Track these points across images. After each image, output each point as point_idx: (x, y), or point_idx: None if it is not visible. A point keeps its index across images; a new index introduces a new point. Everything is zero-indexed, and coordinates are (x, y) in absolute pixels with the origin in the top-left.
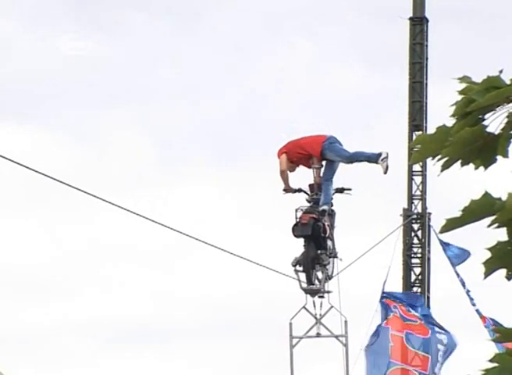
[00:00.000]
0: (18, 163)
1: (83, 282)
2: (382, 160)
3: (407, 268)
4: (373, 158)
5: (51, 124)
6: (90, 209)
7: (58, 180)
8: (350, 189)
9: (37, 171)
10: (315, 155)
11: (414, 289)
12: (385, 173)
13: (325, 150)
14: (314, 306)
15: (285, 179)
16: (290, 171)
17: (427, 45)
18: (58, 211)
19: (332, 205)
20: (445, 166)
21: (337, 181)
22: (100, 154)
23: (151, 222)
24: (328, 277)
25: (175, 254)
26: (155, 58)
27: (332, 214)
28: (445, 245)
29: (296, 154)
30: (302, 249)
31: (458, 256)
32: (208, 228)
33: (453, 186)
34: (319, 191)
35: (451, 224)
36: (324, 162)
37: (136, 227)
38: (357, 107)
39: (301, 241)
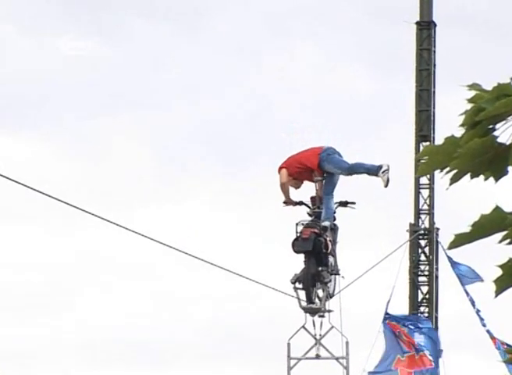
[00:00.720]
0: (7, 177)
1: (75, 297)
2: (382, 173)
3: (414, 286)
4: (373, 171)
5: (48, 129)
6: (81, 224)
7: (49, 196)
8: (353, 203)
9: (26, 185)
10: (313, 168)
11: (421, 309)
12: (386, 186)
13: (322, 162)
14: (314, 326)
15: (285, 191)
16: (295, 188)
17: (434, 51)
18: (48, 225)
19: (334, 220)
20: (454, 179)
21: (340, 194)
22: (99, 159)
23: (148, 239)
24: (330, 296)
25: (170, 270)
26: (155, 59)
27: (334, 229)
28: (453, 263)
29: (296, 169)
30: (302, 265)
31: (468, 276)
32: (204, 243)
33: (462, 200)
34: (321, 204)
35: (460, 240)
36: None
37: (131, 244)
38: (361, 115)
39: (301, 256)
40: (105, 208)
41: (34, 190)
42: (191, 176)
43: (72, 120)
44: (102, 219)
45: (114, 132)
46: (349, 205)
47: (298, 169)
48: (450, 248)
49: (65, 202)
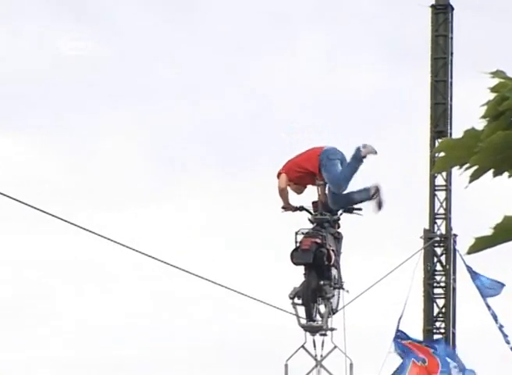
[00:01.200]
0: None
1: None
2: (373, 197)
3: (429, 299)
4: (365, 198)
5: (48, 129)
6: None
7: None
8: (360, 209)
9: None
10: (314, 171)
11: (437, 324)
12: (378, 210)
13: (321, 166)
14: (315, 346)
15: (284, 197)
16: (298, 193)
17: (452, 37)
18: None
19: (338, 227)
20: (474, 177)
21: None
22: (97, 158)
23: (137, 252)
24: (332, 312)
25: (158, 284)
26: (154, 58)
27: (338, 238)
28: (473, 274)
29: (296, 173)
30: (302, 279)
31: (489, 288)
32: (195, 254)
33: (483, 202)
34: (324, 210)
35: (481, 244)
36: None
37: (121, 257)
38: (370, 110)
39: (301, 269)
40: (104, 207)
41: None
42: (190, 177)
43: (70, 119)
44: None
45: (113, 131)
46: (355, 211)
47: (299, 174)
48: (470, 252)
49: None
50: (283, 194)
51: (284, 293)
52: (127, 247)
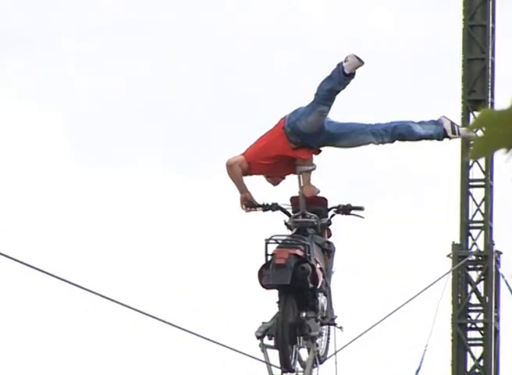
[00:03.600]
0: None
1: None
2: (345, 62)
3: (460, 346)
4: (336, 73)
5: None
6: None
7: None
8: (360, 208)
9: None
10: (287, 154)
11: None
12: (361, 62)
13: (291, 135)
14: None
15: (238, 182)
16: (274, 184)
17: None
18: None
19: (329, 236)
20: None
21: (342, 195)
22: None
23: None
24: (319, 359)
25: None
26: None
27: (328, 250)
28: None
29: (263, 165)
30: (275, 309)
31: None
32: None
33: None
34: (310, 210)
35: None
36: (312, 158)
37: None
38: (377, 71)
39: (274, 294)
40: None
41: None
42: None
43: None
44: None
45: None
46: (353, 211)
47: (266, 166)
48: None
49: None
50: (235, 176)
51: (249, 330)
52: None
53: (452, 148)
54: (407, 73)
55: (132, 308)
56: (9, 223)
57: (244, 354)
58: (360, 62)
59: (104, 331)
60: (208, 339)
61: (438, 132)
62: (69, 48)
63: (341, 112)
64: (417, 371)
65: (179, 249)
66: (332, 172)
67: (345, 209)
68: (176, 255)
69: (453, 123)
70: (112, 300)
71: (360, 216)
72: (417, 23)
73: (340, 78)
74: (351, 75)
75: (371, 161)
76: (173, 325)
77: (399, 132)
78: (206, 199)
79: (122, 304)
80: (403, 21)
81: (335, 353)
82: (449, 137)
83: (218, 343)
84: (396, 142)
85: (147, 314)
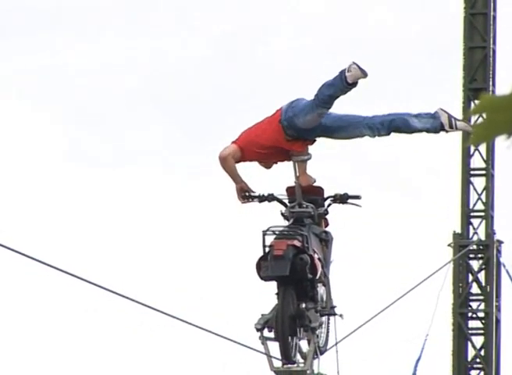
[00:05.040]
0: None
1: None
2: (348, 72)
3: (461, 336)
4: (338, 80)
5: None
6: None
7: None
8: (357, 197)
9: None
10: (283, 146)
11: (473, 373)
12: (364, 75)
13: (287, 129)
14: None
15: (233, 174)
16: (266, 168)
17: None
18: None
19: (326, 225)
20: None
21: (342, 183)
22: None
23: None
24: (320, 350)
25: None
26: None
27: (326, 240)
28: None
29: (256, 153)
30: (274, 301)
31: None
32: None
33: None
34: (307, 199)
35: None
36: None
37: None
38: (378, 59)
39: (273, 286)
40: None
41: None
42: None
43: None
44: None
45: None
46: (350, 200)
47: (260, 154)
48: None
49: None
50: (229, 168)
51: (248, 322)
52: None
53: (453, 136)
54: (408, 61)
55: (132, 299)
56: (9, 222)
57: (244, 346)
58: (363, 75)
59: (101, 323)
60: (208, 331)
61: (435, 126)
62: (69, 47)
63: (342, 101)
64: (418, 361)
65: (178, 246)
66: (330, 162)
67: (342, 198)
68: (175, 251)
69: (450, 117)
70: (113, 292)
71: (358, 205)
72: (418, 11)
73: (343, 86)
74: (354, 84)
75: (370, 150)
76: (173, 316)
77: (395, 125)
78: (204, 195)
79: (123, 296)
80: (404, 9)
81: (335, 344)
82: (446, 131)
83: (218, 335)
84: (392, 134)
85: (145, 305)
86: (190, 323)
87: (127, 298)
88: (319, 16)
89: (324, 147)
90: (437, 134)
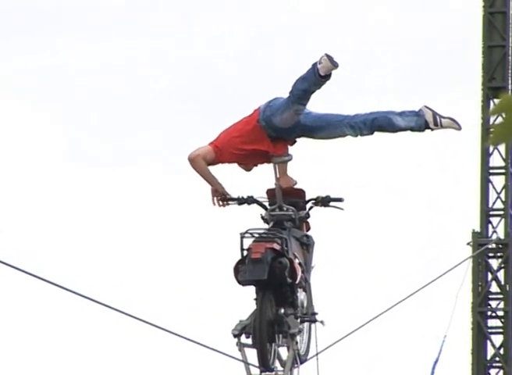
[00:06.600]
0: None
1: None
2: (320, 64)
3: (480, 335)
4: (311, 74)
5: None
6: None
7: None
8: (340, 199)
9: None
10: (261, 148)
11: (492, 372)
12: (335, 66)
13: (266, 129)
14: None
15: (205, 175)
16: (246, 170)
17: None
18: None
19: (308, 229)
20: None
21: (342, 178)
22: None
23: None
24: (300, 359)
25: None
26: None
27: (307, 244)
28: None
29: (235, 154)
30: (252, 306)
31: None
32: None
33: None
34: (287, 202)
35: None
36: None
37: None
38: (394, 58)
39: (251, 291)
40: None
41: None
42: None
43: None
44: None
45: None
46: (332, 203)
47: (239, 155)
48: None
49: None
50: (198, 167)
51: (225, 328)
52: None
53: (472, 135)
54: (427, 60)
55: (111, 307)
56: (8, 222)
57: (221, 353)
58: (334, 66)
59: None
60: (184, 337)
61: (419, 124)
62: (69, 47)
63: (360, 96)
64: (435, 362)
65: (178, 246)
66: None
67: (323, 201)
68: (175, 251)
69: (435, 114)
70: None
71: (340, 208)
72: (438, 9)
73: (316, 79)
74: (327, 76)
75: (390, 148)
76: (147, 322)
77: (378, 124)
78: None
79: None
80: (424, 8)
81: (317, 354)
82: (432, 129)
83: (193, 341)
84: (376, 133)
85: (122, 312)
86: (165, 329)
87: (97, 301)
88: (319, 16)
89: (326, 147)
90: (421, 132)
